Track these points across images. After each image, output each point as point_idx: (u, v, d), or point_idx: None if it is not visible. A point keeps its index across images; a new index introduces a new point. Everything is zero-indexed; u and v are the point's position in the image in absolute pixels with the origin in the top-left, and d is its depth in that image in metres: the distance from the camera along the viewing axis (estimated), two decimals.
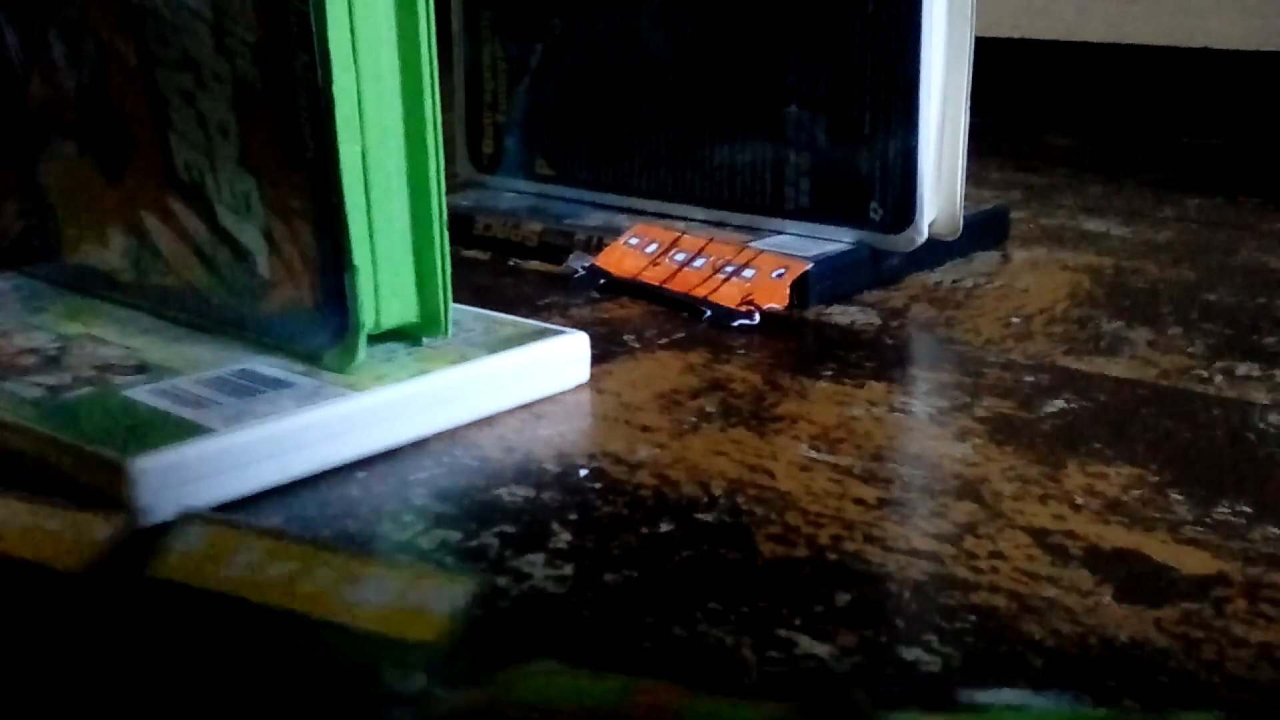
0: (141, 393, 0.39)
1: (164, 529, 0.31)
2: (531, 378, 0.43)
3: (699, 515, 0.36)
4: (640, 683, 0.26)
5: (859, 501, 0.36)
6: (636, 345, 0.50)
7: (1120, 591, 0.31)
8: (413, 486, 0.37)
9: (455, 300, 0.43)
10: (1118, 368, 0.47)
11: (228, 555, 0.30)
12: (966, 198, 0.58)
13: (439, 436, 0.41)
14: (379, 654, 0.27)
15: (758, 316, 0.52)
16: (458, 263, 0.58)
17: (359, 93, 0.39)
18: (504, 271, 0.61)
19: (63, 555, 0.30)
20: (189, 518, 0.31)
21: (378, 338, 0.42)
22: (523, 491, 0.37)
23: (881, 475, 0.38)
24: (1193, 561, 0.33)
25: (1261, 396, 0.44)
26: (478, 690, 0.26)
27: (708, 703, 0.25)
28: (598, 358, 0.47)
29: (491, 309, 0.47)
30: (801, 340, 0.51)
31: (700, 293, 0.54)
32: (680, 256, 0.57)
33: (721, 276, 0.55)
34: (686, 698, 0.25)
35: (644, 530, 0.35)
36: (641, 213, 0.64)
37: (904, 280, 0.59)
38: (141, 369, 0.41)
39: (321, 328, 0.41)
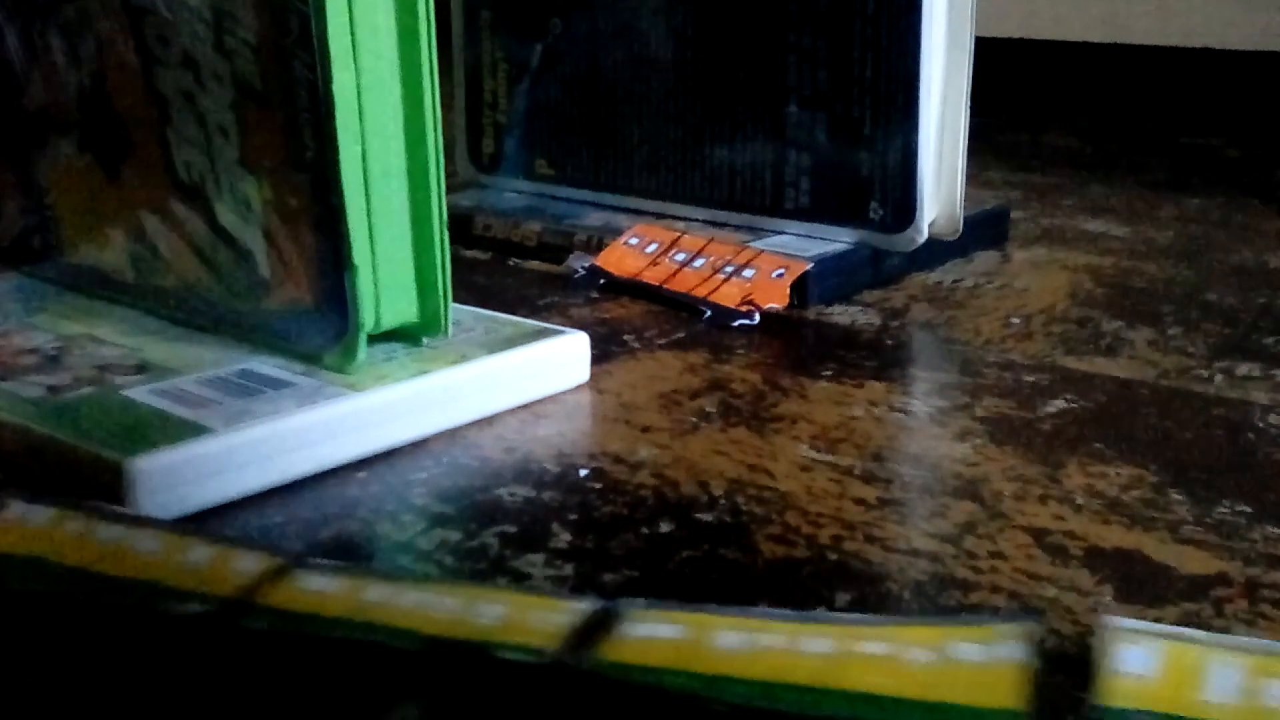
0: (141, 393, 0.39)
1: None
2: (531, 378, 0.43)
3: (699, 515, 0.36)
4: None
5: (859, 501, 0.36)
6: (636, 345, 0.50)
7: (1120, 591, 0.31)
8: (413, 486, 0.37)
9: (455, 300, 0.43)
10: (1118, 368, 0.47)
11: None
12: (966, 198, 0.58)
13: (439, 436, 0.41)
14: None
15: (758, 316, 0.52)
16: (458, 263, 0.58)
17: (359, 93, 0.39)
18: (504, 271, 0.61)
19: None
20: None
21: (378, 338, 0.42)
22: (523, 491, 0.37)
23: (881, 475, 0.38)
24: (1193, 561, 0.33)
25: (1261, 396, 0.44)
26: None
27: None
28: (598, 358, 0.47)
29: (491, 309, 0.47)
30: (801, 340, 0.51)
31: (700, 293, 0.54)
32: (680, 256, 0.57)
33: (721, 276, 0.55)
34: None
35: (644, 530, 0.35)
36: (641, 213, 0.64)
37: (904, 280, 0.59)
38: (141, 369, 0.41)
39: (321, 328, 0.41)
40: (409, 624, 0.27)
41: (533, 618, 0.27)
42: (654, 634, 0.26)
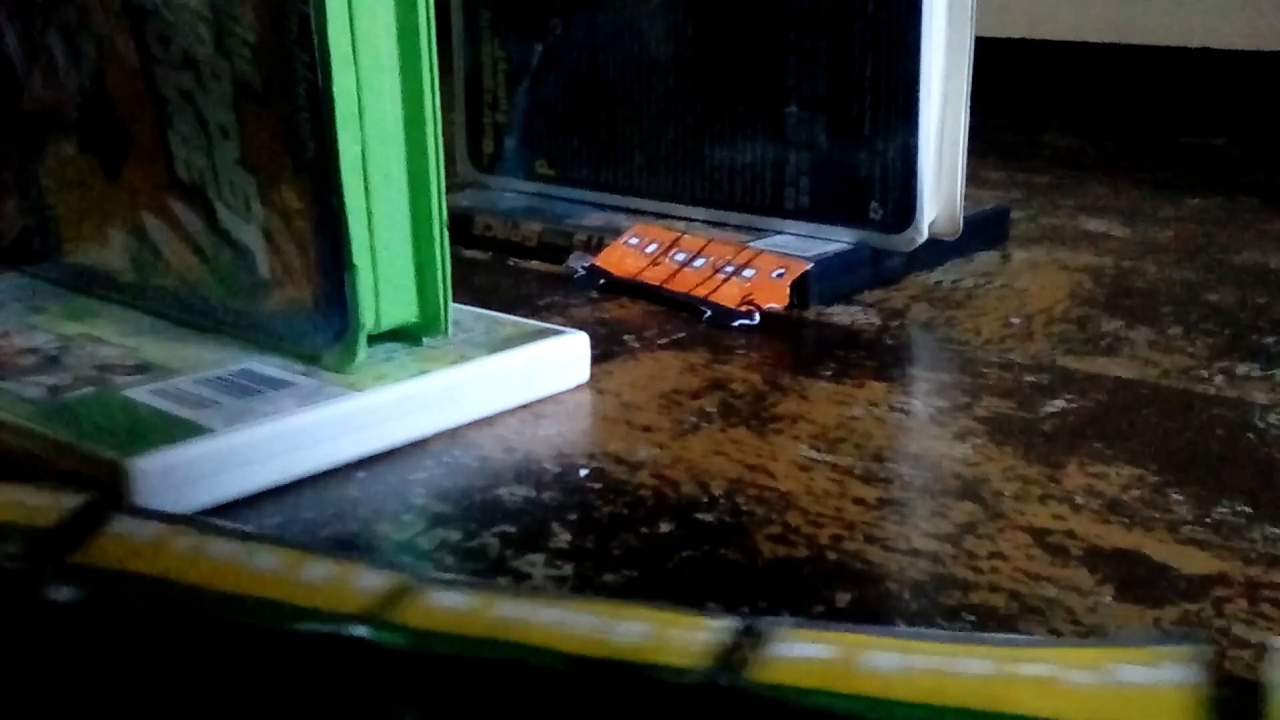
0: (141, 393, 0.39)
1: None
2: (531, 378, 0.43)
3: (699, 515, 0.36)
4: None
5: (859, 501, 0.36)
6: (636, 345, 0.50)
7: (1120, 591, 0.31)
8: (413, 486, 0.37)
9: (455, 300, 0.43)
10: (1118, 368, 0.47)
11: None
12: (966, 198, 0.58)
13: (439, 436, 0.41)
14: None
15: (758, 316, 0.53)
16: (458, 263, 0.59)
17: (359, 93, 0.39)
18: (504, 271, 0.61)
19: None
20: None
21: (378, 338, 0.42)
22: (523, 491, 0.37)
23: (881, 475, 0.38)
24: (1193, 561, 0.33)
25: (1261, 396, 0.44)
26: None
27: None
28: (598, 358, 0.47)
29: (491, 309, 0.47)
30: (801, 340, 0.51)
31: (700, 293, 0.54)
32: (680, 256, 0.57)
33: (721, 276, 0.55)
34: None
35: (644, 530, 0.35)
36: (641, 213, 0.64)
37: (904, 280, 0.59)
38: (141, 369, 0.41)
39: (321, 328, 0.41)
40: (550, 643, 0.26)
41: (675, 635, 0.26)
42: (804, 654, 0.26)
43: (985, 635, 0.29)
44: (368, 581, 0.28)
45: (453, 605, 0.27)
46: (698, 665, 0.25)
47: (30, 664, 0.27)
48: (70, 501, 0.31)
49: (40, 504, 0.32)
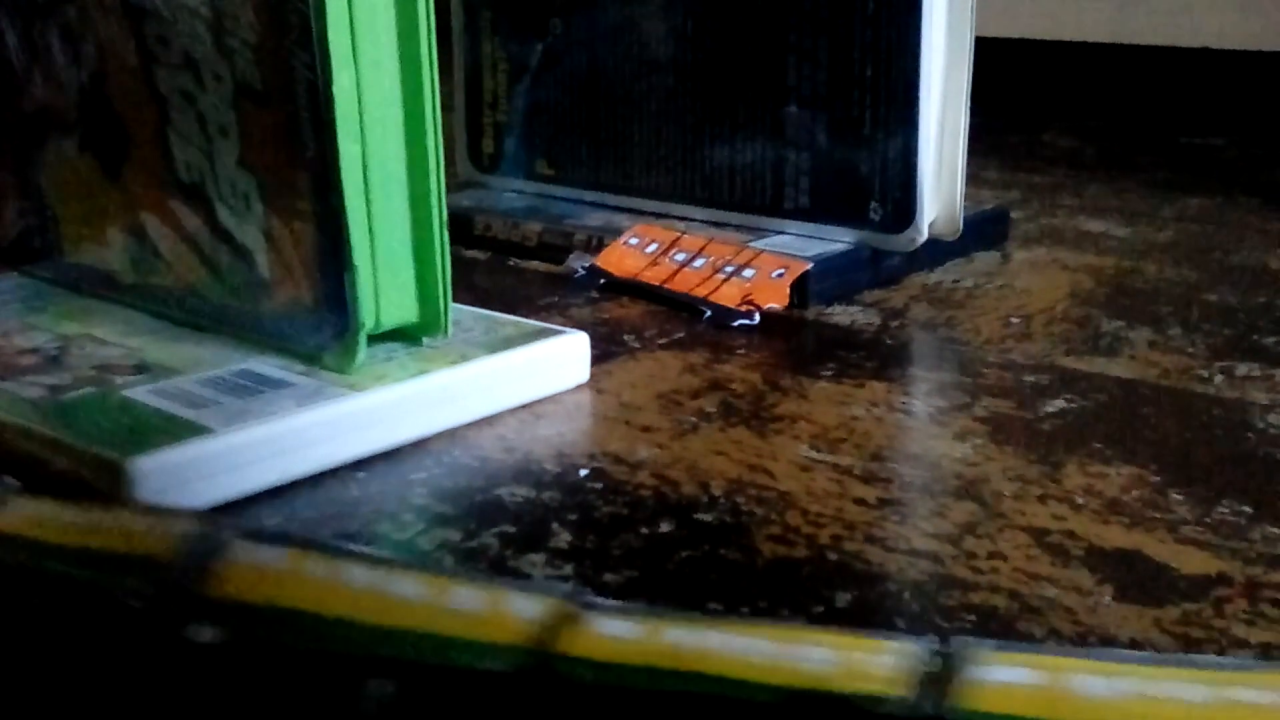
0: (141, 393, 0.39)
1: None
2: (531, 378, 0.43)
3: (699, 515, 0.36)
4: None
5: (859, 501, 0.36)
6: (636, 345, 0.50)
7: (1120, 591, 0.31)
8: (413, 486, 0.37)
9: (455, 300, 0.43)
10: (1118, 368, 0.47)
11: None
12: (966, 198, 0.58)
13: (439, 436, 0.41)
14: None
15: (758, 316, 0.53)
16: (458, 263, 0.58)
17: (359, 93, 0.39)
18: (504, 271, 0.61)
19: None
20: None
21: (378, 338, 0.42)
22: (523, 491, 0.37)
23: (881, 475, 0.38)
24: (1193, 561, 0.33)
25: (1261, 396, 0.44)
26: None
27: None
28: (598, 358, 0.47)
29: (491, 309, 0.47)
30: (801, 340, 0.51)
31: (700, 293, 0.54)
32: (680, 256, 0.57)
33: (721, 276, 0.55)
34: None
35: (644, 530, 0.35)
36: (641, 213, 0.64)
37: (904, 280, 0.59)
38: (141, 369, 0.41)
39: (321, 328, 0.41)
40: (744, 674, 0.25)
41: (861, 660, 0.25)
42: (1009, 679, 0.25)
43: (1184, 657, 0.28)
44: (523, 608, 0.27)
45: (623, 634, 0.26)
46: (897, 693, 0.24)
47: (174, 708, 0.25)
48: (182, 526, 0.30)
49: (147, 529, 0.30)
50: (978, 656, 0.25)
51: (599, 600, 0.27)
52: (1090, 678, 0.24)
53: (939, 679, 0.25)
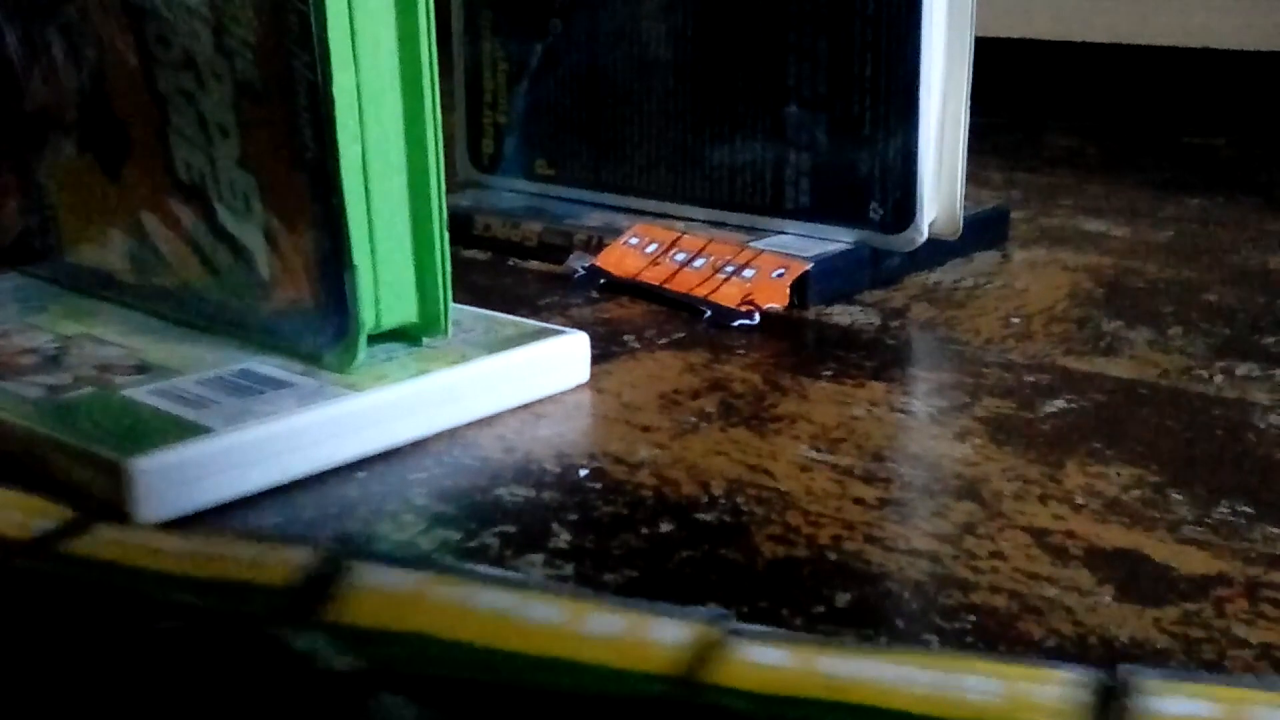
0: (141, 393, 0.39)
1: None
2: (531, 378, 0.43)
3: (699, 515, 0.36)
4: None
5: (859, 501, 0.36)
6: (636, 345, 0.50)
7: (1120, 591, 0.31)
8: (413, 486, 0.37)
9: (455, 300, 0.43)
10: (1118, 368, 0.47)
11: None
12: (966, 198, 0.58)
13: (439, 436, 0.41)
14: None
15: (758, 316, 0.53)
16: (458, 263, 0.59)
17: (359, 93, 0.39)
18: (504, 271, 0.61)
19: None
20: None
21: (378, 338, 0.42)
22: (523, 491, 0.37)
23: (881, 475, 0.38)
24: (1193, 561, 0.33)
25: (1261, 396, 0.44)
26: None
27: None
28: (598, 358, 0.47)
29: (491, 309, 0.47)
30: (801, 340, 0.51)
31: (700, 293, 0.54)
32: (680, 256, 0.57)
33: (721, 276, 0.55)
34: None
35: (644, 530, 0.35)
36: (641, 213, 0.64)
37: (904, 280, 0.59)
38: (141, 369, 0.41)
39: (321, 328, 0.41)
40: (900, 704, 0.24)
41: (1026, 691, 0.25)
42: (1188, 712, 0.24)
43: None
44: (665, 634, 0.26)
45: (775, 662, 0.25)
46: None
47: None
48: (298, 556, 0.29)
49: (262, 557, 0.29)
50: (1151, 687, 0.25)
51: (744, 626, 0.26)
52: (1269, 710, 0.24)
53: (1108, 712, 0.24)
